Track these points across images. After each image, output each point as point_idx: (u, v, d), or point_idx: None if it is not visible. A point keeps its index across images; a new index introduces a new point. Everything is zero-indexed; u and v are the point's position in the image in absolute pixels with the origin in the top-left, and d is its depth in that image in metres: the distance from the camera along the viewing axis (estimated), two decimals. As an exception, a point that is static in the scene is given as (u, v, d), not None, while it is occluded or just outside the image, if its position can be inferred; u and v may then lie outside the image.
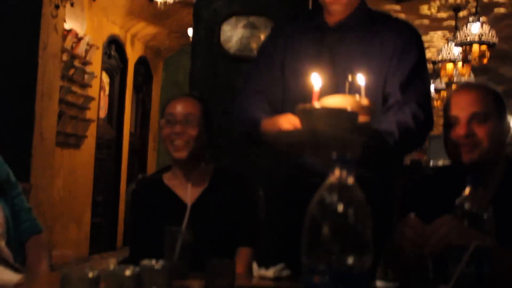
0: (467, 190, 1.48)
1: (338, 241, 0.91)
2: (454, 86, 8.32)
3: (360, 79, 1.92)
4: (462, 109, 1.96)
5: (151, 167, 9.88)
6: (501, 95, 2.04)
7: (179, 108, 2.29)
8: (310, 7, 4.29)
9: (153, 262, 1.55)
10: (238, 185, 2.37)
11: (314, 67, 1.99)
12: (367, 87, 1.92)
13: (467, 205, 1.47)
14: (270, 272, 1.98)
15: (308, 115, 1.76)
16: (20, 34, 5.06)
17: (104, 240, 8.25)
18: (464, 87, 2.08)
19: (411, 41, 2.21)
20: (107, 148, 8.30)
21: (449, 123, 1.99)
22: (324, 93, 1.83)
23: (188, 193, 2.09)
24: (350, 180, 0.94)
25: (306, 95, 1.87)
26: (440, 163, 6.54)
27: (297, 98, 2.07)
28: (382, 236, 2.23)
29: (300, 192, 2.16)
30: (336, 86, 2.07)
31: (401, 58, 2.16)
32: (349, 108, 1.77)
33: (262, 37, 4.40)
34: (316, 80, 1.76)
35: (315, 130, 1.72)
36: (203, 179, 2.34)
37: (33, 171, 5.05)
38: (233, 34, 4.39)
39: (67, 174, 6.83)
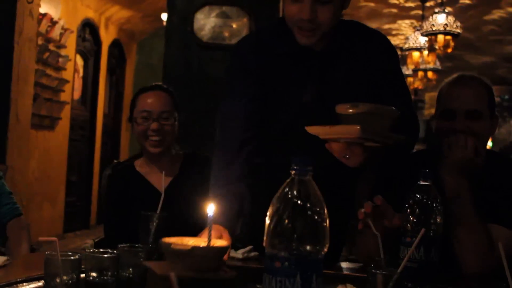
0: (420, 182, 1.62)
1: (297, 231, 1.03)
2: (420, 73, 8.50)
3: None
4: (459, 103, 2.04)
5: (124, 147, 9.95)
6: (493, 92, 2.13)
7: (155, 105, 2.38)
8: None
9: (130, 245, 1.67)
10: (208, 169, 2.49)
11: (299, 97, 2.04)
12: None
13: (418, 196, 1.60)
14: (239, 254, 2.11)
15: (350, 116, 1.72)
16: (-5, 19, 5.11)
17: (78, 219, 8.36)
18: (462, 81, 2.13)
19: (390, 56, 2.18)
20: (81, 129, 8.36)
21: (445, 115, 2.08)
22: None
23: (162, 179, 2.20)
24: (308, 177, 1.07)
25: (291, 128, 1.93)
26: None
27: (280, 130, 2.11)
28: (346, 219, 2.37)
29: (266, 181, 2.28)
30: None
31: (387, 75, 2.12)
32: None
33: (235, 25, 4.51)
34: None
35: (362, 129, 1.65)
36: (174, 166, 2.46)
37: (8, 153, 5.12)
38: (206, 23, 4.49)
39: (41, 155, 6.90)
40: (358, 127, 1.63)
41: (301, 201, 1.06)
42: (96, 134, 8.79)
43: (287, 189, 1.07)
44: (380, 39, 2.19)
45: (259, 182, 2.20)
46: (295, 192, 1.06)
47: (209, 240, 1.43)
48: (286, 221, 1.04)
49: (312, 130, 1.75)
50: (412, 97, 11.38)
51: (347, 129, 1.68)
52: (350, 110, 1.70)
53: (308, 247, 1.04)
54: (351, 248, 2.72)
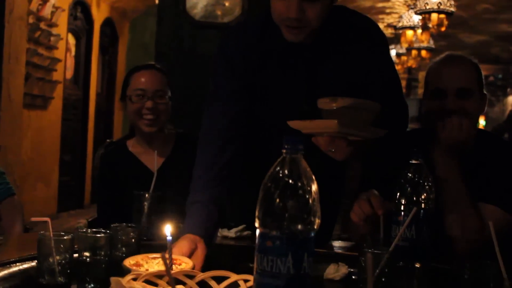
0: (412, 161, 1.63)
1: (288, 210, 1.04)
2: (414, 52, 8.50)
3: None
4: (450, 82, 2.05)
5: (118, 126, 9.94)
6: (481, 71, 2.14)
7: (149, 83, 2.38)
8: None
9: (123, 224, 1.68)
10: None
11: (290, 94, 2.01)
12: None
13: (410, 174, 1.61)
14: (231, 233, 2.13)
15: (330, 110, 1.73)
16: (-15, -2, 5.08)
17: (72, 198, 8.36)
18: (451, 60, 2.13)
19: (381, 46, 2.14)
20: (74, 108, 8.33)
21: (435, 94, 2.08)
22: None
23: (155, 159, 2.21)
24: (299, 155, 1.07)
25: (278, 124, 1.85)
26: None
27: (267, 126, 2.08)
28: (338, 198, 2.38)
29: (259, 161, 2.28)
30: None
31: (377, 67, 2.09)
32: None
33: (227, 4, 4.49)
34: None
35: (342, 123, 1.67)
36: (167, 146, 2.46)
37: (1, 133, 5.12)
38: (198, 1, 4.47)
39: (34, 135, 6.88)
40: (336, 122, 1.64)
41: (292, 180, 1.06)
42: (89, 113, 8.76)
43: (278, 168, 1.07)
44: (371, 29, 2.13)
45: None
46: (286, 171, 1.06)
47: (169, 266, 1.46)
48: (278, 200, 1.04)
49: (293, 124, 1.75)
50: (406, 75, 11.46)
51: (325, 123, 1.70)
52: (331, 105, 1.71)
53: (299, 226, 1.04)
54: (344, 226, 2.74)
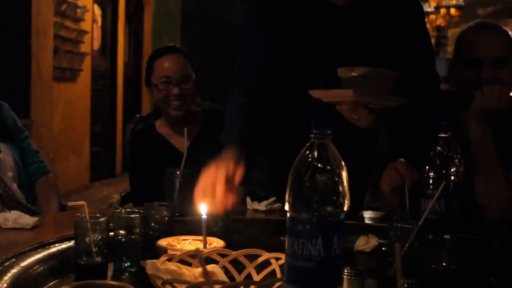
0: (440, 134, 1.63)
1: (317, 193, 1.06)
2: (443, 10, 8.35)
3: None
4: (485, 52, 2.04)
5: (146, 94, 9.98)
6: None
7: (174, 69, 2.40)
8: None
9: (155, 203, 1.72)
10: None
11: (321, 57, 2.00)
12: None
13: (439, 148, 1.61)
14: (262, 206, 2.15)
15: (349, 79, 1.76)
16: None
17: (104, 168, 8.49)
18: (483, 28, 2.12)
19: (415, 14, 2.15)
20: (102, 79, 8.39)
21: (470, 63, 2.07)
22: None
23: (185, 137, 2.23)
24: (327, 140, 1.08)
25: (307, 86, 1.86)
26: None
27: (296, 87, 2.06)
28: (368, 166, 2.39)
29: (290, 138, 2.29)
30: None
31: (410, 34, 2.08)
32: None
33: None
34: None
35: (358, 92, 1.71)
36: (194, 125, 2.49)
37: (32, 107, 5.19)
38: (223, -31, 4.45)
39: (65, 107, 6.96)
40: (351, 91, 1.68)
41: (321, 164, 1.07)
42: (117, 83, 8.83)
43: (307, 152, 1.09)
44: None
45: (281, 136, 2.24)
46: (315, 155, 1.08)
47: (205, 243, 1.51)
48: (307, 184, 1.06)
49: (314, 93, 1.80)
50: (435, 33, 11.26)
51: (342, 93, 1.74)
52: (349, 73, 1.74)
53: (329, 209, 1.06)
54: (373, 193, 2.75)
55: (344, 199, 1.08)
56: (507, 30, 2.11)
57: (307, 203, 1.06)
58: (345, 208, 1.09)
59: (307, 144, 1.09)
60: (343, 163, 1.09)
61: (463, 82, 2.08)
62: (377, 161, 2.46)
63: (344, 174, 1.08)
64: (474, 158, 1.86)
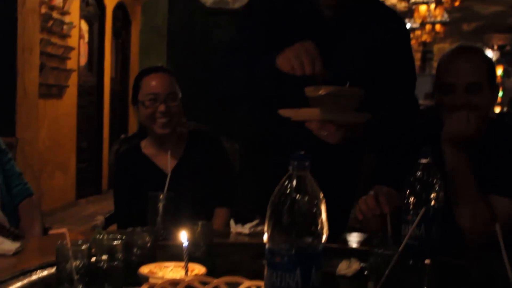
0: (421, 160, 1.64)
1: (296, 226, 1.07)
2: (428, 27, 8.43)
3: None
4: (459, 77, 2.05)
5: (133, 110, 9.92)
6: (493, 63, 2.15)
7: (161, 87, 2.41)
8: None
9: (138, 228, 1.72)
10: (213, 149, 2.52)
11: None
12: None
13: (419, 173, 1.63)
14: (245, 228, 2.15)
15: (316, 97, 1.81)
16: (-2, -8, 5.10)
17: (90, 185, 8.44)
18: (461, 53, 2.12)
19: (402, 36, 2.20)
20: (89, 95, 8.38)
21: (444, 88, 2.09)
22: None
23: (168, 160, 2.24)
24: (306, 172, 1.10)
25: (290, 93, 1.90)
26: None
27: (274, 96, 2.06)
28: (351, 191, 2.41)
29: (272, 157, 2.31)
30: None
31: (394, 55, 2.14)
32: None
33: (238, -11, 4.49)
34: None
35: (324, 110, 1.79)
36: (180, 145, 2.49)
37: (18, 125, 5.17)
38: (209, -13, 4.47)
39: (51, 124, 6.95)
40: (318, 110, 1.76)
41: (299, 196, 1.08)
42: (104, 99, 8.81)
43: (285, 183, 1.10)
44: (395, 19, 2.21)
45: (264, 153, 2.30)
46: (293, 187, 1.09)
47: (186, 271, 1.52)
48: (285, 216, 1.07)
49: (284, 113, 1.85)
50: (421, 48, 11.35)
51: (310, 112, 1.80)
52: (315, 92, 1.79)
53: (307, 242, 1.07)
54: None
55: (322, 231, 1.09)
56: (488, 56, 2.14)
57: (286, 235, 1.07)
58: (323, 240, 1.10)
59: (285, 176, 1.10)
60: (321, 195, 1.10)
61: (440, 107, 2.10)
62: (361, 180, 2.48)
63: (323, 206, 1.10)
64: (450, 183, 1.87)
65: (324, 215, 1.09)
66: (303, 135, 1.89)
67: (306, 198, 1.08)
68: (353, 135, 1.92)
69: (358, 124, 1.91)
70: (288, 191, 1.09)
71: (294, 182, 1.09)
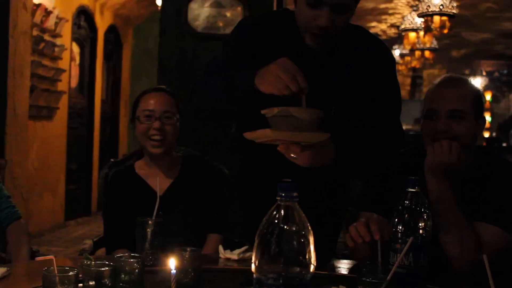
0: (408, 189, 1.65)
1: (283, 257, 1.07)
2: (417, 53, 8.51)
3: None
4: (442, 103, 2.07)
5: (123, 132, 9.98)
6: (480, 94, 2.17)
7: (158, 105, 2.41)
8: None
9: (126, 254, 1.71)
10: (207, 175, 2.52)
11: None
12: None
13: (407, 202, 1.64)
14: (234, 254, 2.14)
15: (270, 117, 1.82)
16: (-11, 15, 5.12)
17: (79, 206, 8.39)
18: (447, 82, 2.15)
19: (386, 64, 2.22)
20: (79, 117, 8.37)
21: (428, 114, 2.10)
22: None
23: (158, 185, 2.24)
24: (293, 203, 1.10)
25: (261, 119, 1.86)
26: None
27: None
28: (339, 217, 2.42)
29: (259, 181, 2.32)
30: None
31: (379, 82, 2.16)
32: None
33: (228, 14, 4.52)
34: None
35: (275, 129, 1.79)
36: (174, 168, 2.49)
37: (7, 147, 5.16)
38: (200, 12, 4.49)
39: (40, 145, 6.93)
40: (269, 130, 1.77)
41: (287, 226, 1.09)
42: (94, 120, 8.80)
43: (273, 215, 1.10)
44: (379, 47, 2.21)
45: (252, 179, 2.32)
46: (281, 218, 1.09)
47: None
48: (273, 247, 1.08)
49: (247, 135, 1.86)
50: (410, 73, 11.48)
51: (263, 132, 1.80)
52: (268, 113, 1.79)
53: (294, 272, 1.07)
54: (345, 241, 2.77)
55: (310, 261, 1.09)
56: (476, 88, 2.16)
57: (273, 265, 1.07)
58: (311, 270, 1.10)
59: (273, 207, 1.11)
60: (308, 225, 1.11)
61: (423, 134, 2.11)
62: (350, 205, 2.49)
63: (310, 236, 1.10)
64: (435, 213, 1.88)
65: (312, 246, 1.10)
66: (286, 160, 1.90)
67: (294, 228, 1.09)
68: (321, 157, 1.91)
69: (325, 146, 1.90)
70: (276, 221, 1.09)
71: (282, 213, 1.10)
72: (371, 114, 2.14)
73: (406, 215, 1.63)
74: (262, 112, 1.81)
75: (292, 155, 1.86)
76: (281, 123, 1.78)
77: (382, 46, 2.23)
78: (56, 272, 1.43)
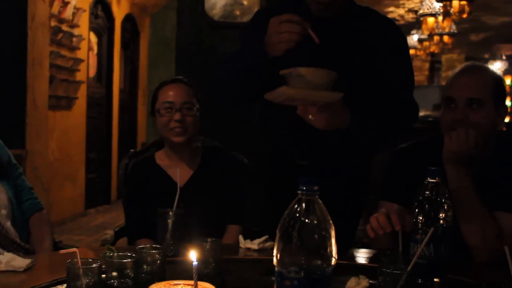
0: (428, 180, 1.65)
1: (305, 250, 1.08)
2: (436, 38, 8.43)
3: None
4: (460, 91, 2.05)
5: (141, 121, 10.02)
6: (502, 82, 2.13)
7: (177, 96, 2.42)
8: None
9: (148, 246, 1.73)
10: (227, 166, 2.53)
11: (299, 63, 1.99)
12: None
13: (427, 193, 1.64)
14: (254, 244, 2.16)
15: (288, 78, 1.88)
16: (8, 6, 5.15)
17: (99, 195, 8.47)
18: (466, 70, 2.12)
19: (397, 40, 2.27)
20: (98, 106, 8.42)
21: (447, 102, 2.09)
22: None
23: (178, 175, 2.25)
24: (314, 197, 1.11)
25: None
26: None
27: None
28: (359, 207, 2.43)
29: (280, 173, 2.33)
30: None
31: (389, 58, 2.23)
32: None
33: (245, 3, 4.50)
34: None
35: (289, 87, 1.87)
36: (194, 159, 2.50)
37: (28, 138, 5.20)
38: (217, 1, 4.48)
39: (60, 135, 6.98)
40: (285, 87, 1.85)
41: (308, 220, 1.10)
42: (113, 109, 8.84)
43: (294, 209, 1.11)
44: (388, 24, 2.28)
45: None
46: (302, 211, 1.10)
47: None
48: (295, 240, 1.08)
49: (267, 96, 1.95)
50: (429, 58, 11.38)
51: (282, 90, 1.87)
52: (287, 73, 1.87)
53: (316, 266, 1.08)
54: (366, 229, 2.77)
55: (331, 254, 1.10)
56: (498, 75, 2.13)
57: (295, 260, 1.08)
58: (333, 263, 1.11)
59: (294, 200, 1.12)
60: (329, 219, 1.11)
61: (441, 122, 2.10)
62: (371, 192, 2.49)
63: (332, 229, 1.11)
64: (455, 202, 1.87)
65: (333, 239, 1.10)
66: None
67: (315, 222, 1.10)
68: (336, 119, 2.00)
69: (341, 109, 2.00)
70: (297, 215, 1.10)
71: (303, 206, 1.10)
72: (380, 86, 2.19)
73: (426, 206, 1.63)
74: (281, 72, 1.88)
75: (310, 116, 1.94)
76: (298, 83, 1.85)
77: (391, 23, 2.31)
78: (79, 264, 1.45)
